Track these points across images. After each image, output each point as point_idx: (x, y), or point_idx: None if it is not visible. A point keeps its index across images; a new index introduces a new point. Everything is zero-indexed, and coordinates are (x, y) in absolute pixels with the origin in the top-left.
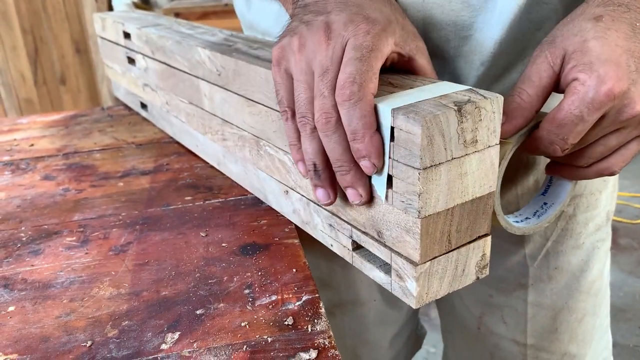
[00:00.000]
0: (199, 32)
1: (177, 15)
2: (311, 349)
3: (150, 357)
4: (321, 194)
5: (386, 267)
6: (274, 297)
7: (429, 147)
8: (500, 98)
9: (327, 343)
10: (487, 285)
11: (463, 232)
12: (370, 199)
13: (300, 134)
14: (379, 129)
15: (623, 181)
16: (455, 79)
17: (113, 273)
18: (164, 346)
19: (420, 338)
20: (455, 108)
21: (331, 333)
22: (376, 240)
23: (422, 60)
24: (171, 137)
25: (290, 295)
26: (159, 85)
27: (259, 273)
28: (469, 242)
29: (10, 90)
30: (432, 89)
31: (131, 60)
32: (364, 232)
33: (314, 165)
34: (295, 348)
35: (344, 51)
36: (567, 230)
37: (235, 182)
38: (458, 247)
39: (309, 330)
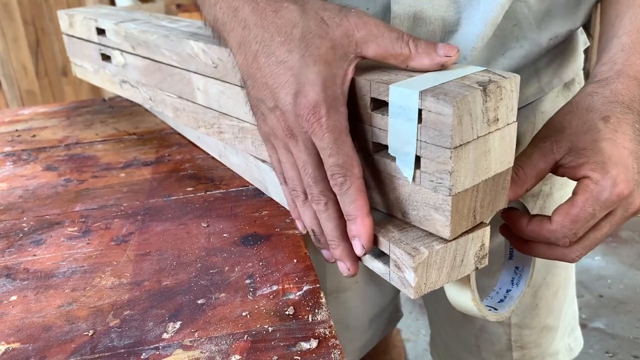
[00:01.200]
0: (182, 25)
1: (179, 6)
2: (312, 339)
3: (152, 346)
4: (326, 254)
5: (384, 258)
6: (274, 287)
7: (459, 126)
8: (517, 77)
9: (327, 332)
10: None
11: (486, 207)
12: (356, 272)
13: (295, 202)
14: (402, 114)
15: None
16: None
17: (114, 263)
18: (165, 335)
19: (396, 320)
20: (481, 88)
21: (332, 323)
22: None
23: (373, 50)
24: (173, 128)
25: (291, 285)
26: (140, 82)
27: (260, 263)
28: (472, 230)
29: (11, 82)
30: (450, 71)
31: (106, 57)
32: (391, 214)
33: (313, 231)
34: (296, 337)
35: (312, 142)
36: (545, 208)
37: (237, 174)
38: (477, 226)
39: (310, 319)
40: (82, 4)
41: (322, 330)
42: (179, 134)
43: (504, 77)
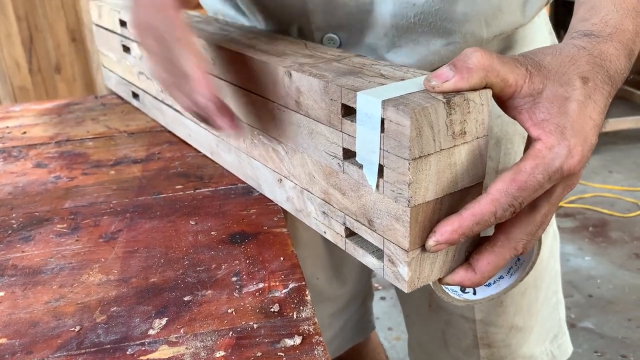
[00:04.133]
0: (195, 20)
1: None
2: (296, 335)
3: (138, 342)
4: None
5: (378, 253)
6: (261, 285)
7: (418, 138)
8: (489, 91)
9: (311, 329)
10: None
11: None
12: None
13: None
14: (367, 122)
15: (615, 175)
16: (364, 48)
17: (103, 260)
18: (151, 332)
19: (366, 331)
20: (444, 100)
21: (316, 320)
22: (368, 227)
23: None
24: (163, 126)
25: (277, 283)
26: None
27: (247, 261)
28: None
29: (4, 78)
30: (422, 81)
31: (126, 49)
32: (356, 220)
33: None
34: (280, 334)
35: None
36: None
37: (227, 171)
38: None
39: (294, 317)
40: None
41: (306, 327)
42: (169, 131)
43: (473, 90)
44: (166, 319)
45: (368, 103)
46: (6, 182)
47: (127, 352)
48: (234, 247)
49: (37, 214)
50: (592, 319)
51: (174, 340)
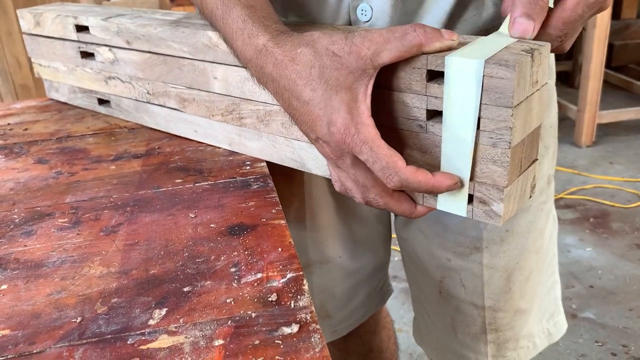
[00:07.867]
0: (176, 16)
1: (172, 0)
2: (293, 324)
3: (138, 332)
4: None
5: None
6: (259, 275)
7: (518, 88)
8: (549, 45)
9: (308, 318)
10: (445, 250)
11: (526, 158)
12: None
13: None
14: (462, 81)
15: (616, 166)
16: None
17: (103, 253)
18: (151, 322)
19: (386, 294)
20: (530, 55)
21: (313, 309)
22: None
23: (387, 57)
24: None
25: (275, 273)
26: (135, 76)
27: (246, 252)
28: (528, 167)
29: (6, 76)
30: (486, 43)
31: (86, 54)
32: None
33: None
34: (278, 323)
35: (355, 157)
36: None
37: (226, 165)
38: (524, 171)
39: (292, 306)
40: None
41: (303, 315)
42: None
43: (540, 45)
44: (166, 309)
45: (462, 64)
46: (8, 178)
47: (128, 342)
48: (232, 239)
49: (38, 208)
50: (593, 309)
51: (173, 329)
